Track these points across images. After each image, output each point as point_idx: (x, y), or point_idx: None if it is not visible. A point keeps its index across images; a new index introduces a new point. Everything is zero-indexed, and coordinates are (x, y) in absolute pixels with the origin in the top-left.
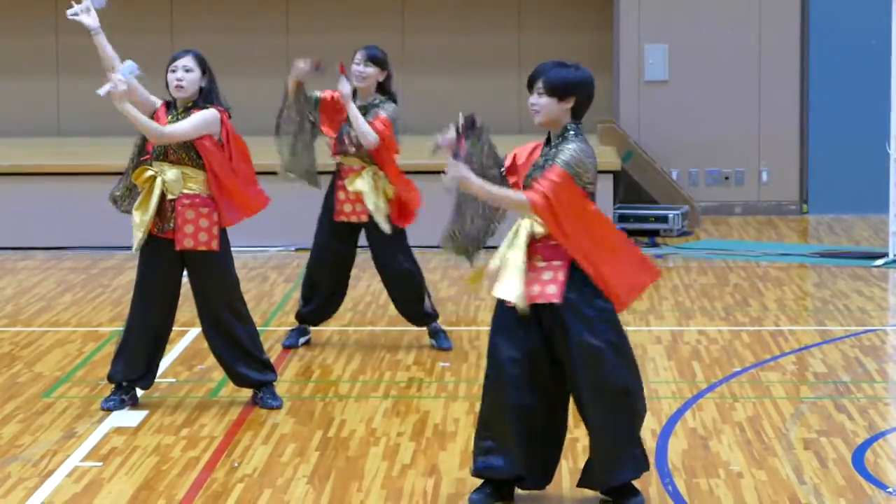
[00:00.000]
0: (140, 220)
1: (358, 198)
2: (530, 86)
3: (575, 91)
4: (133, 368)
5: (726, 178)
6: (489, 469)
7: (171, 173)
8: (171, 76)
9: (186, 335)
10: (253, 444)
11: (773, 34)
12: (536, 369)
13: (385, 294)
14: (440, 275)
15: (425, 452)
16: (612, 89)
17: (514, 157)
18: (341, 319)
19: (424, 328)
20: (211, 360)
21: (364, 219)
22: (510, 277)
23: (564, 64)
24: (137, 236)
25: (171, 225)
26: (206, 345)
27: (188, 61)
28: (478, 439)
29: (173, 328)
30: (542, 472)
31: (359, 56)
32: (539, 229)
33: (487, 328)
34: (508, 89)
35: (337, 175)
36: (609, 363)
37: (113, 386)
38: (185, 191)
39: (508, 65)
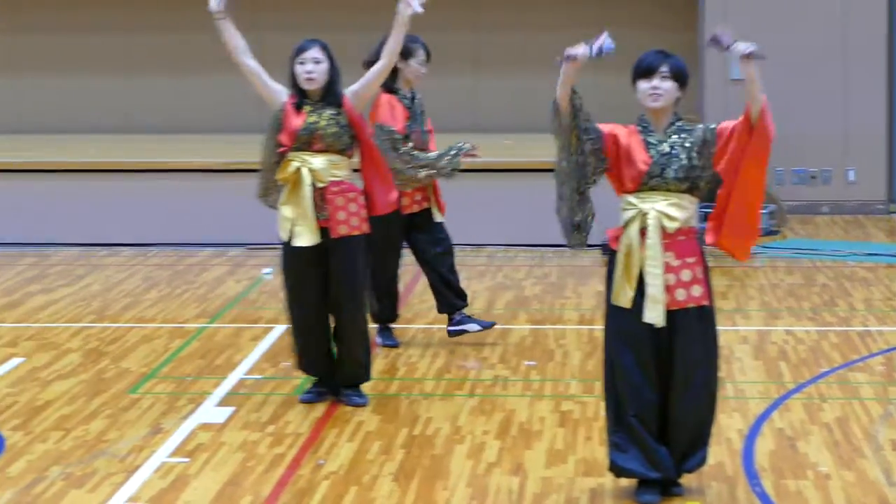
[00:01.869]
0: (294, 214)
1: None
2: (649, 72)
3: (688, 79)
4: (318, 360)
5: (813, 177)
6: (624, 471)
7: (317, 161)
8: (299, 68)
9: (272, 332)
10: (338, 441)
11: (859, 33)
12: (653, 369)
13: (469, 292)
14: (525, 273)
15: (511, 451)
16: (697, 88)
17: (616, 136)
18: (426, 317)
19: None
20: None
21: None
22: (655, 298)
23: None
24: (297, 231)
25: (325, 214)
26: (289, 342)
27: (317, 52)
28: (610, 435)
29: (261, 325)
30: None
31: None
32: (669, 224)
33: (573, 327)
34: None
35: None
36: (711, 365)
37: (313, 380)
38: (332, 178)
39: (591, 62)
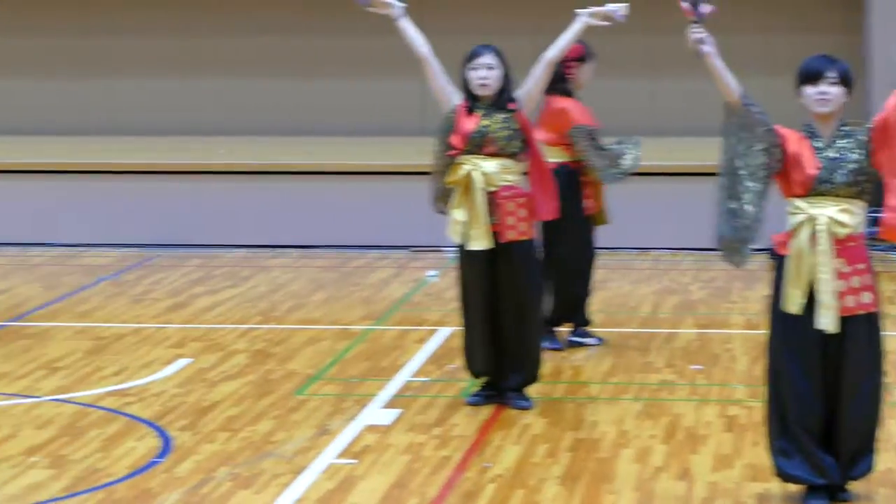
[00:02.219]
0: (466, 217)
1: None
2: (816, 77)
3: (854, 83)
4: (486, 363)
5: None
6: (791, 477)
7: (489, 165)
8: (472, 73)
9: (436, 334)
10: (504, 444)
11: None
12: (819, 376)
13: (635, 295)
14: (691, 277)
15: (677, 455)
16: (863, 92)
17: (786, 137)
18: (593, 321)
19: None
20: (462, 360)
21: None
22: (828, 305)
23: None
24: (471, 234)
25: (495, 219)
26: (456, 343)
27: (490, 58)
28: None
29: (426, 327)
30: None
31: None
32: (840, 230)
33: (739, 331)
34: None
35: (581, 172)
36: (878, 371)
37: (481, 381)
38: (503, 182)
39: (755, 65)
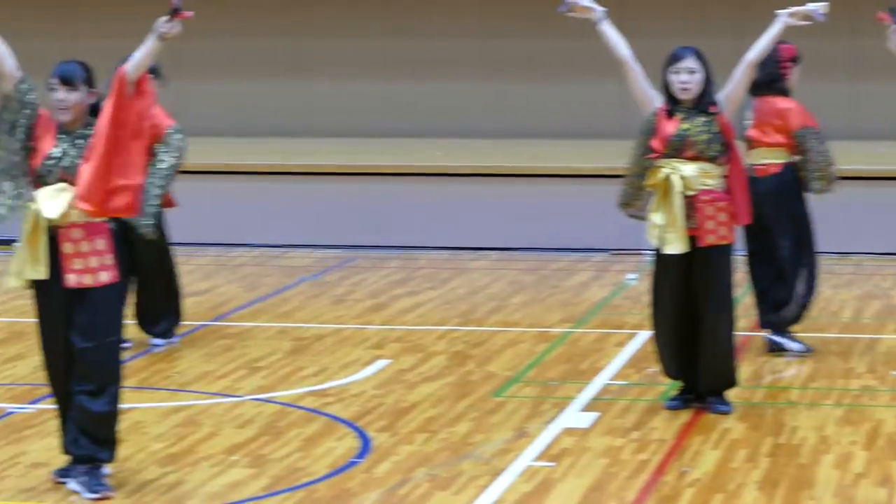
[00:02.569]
0: (664, 221)
1: None
2: None
3: None
4: (683, 367)
5: None
6: None
7: (688, 169)
8: (673, 77)
9: (636, 338)
10: (703, 448)
11: None
12: None
13: (836, 300)
14: (892, 282)
15: (879, 462)
16: None
17: None
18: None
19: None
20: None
21: None
22: None
23: None
24: (668, 238)
25: (693, 223)
26: (654, 348)
27: (691, 62)
28: None
29: (625, 330)
30: None
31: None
32: None
33: None
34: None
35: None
36: None
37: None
38: (702, 186)
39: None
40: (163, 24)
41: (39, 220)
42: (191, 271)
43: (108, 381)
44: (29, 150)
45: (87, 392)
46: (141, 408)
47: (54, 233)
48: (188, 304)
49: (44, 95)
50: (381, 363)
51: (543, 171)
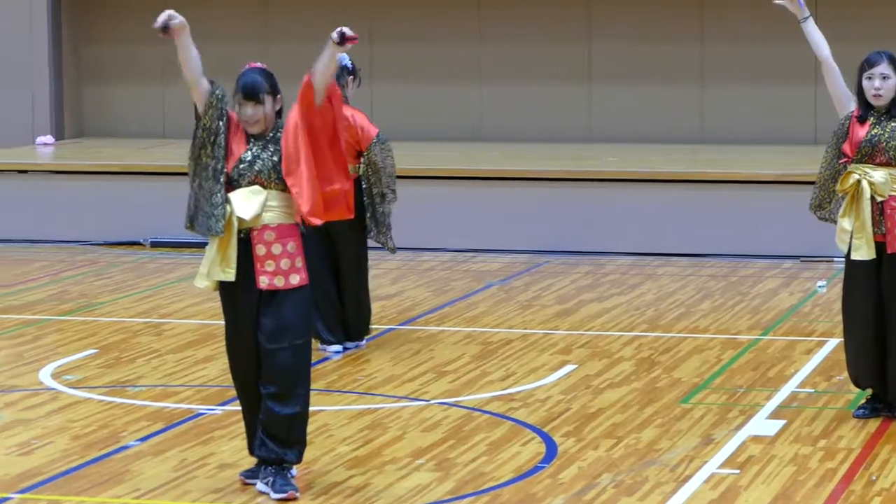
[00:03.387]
0: (852, 226)
1: None
2: None
3: None
4: (871, 375)
5: None
6: None
7: (878, 175)
8: (867, 83)
9: (825, 345)
10: (891, 457)
11: None
12: None
13: None
14: None
15: None
16: None
17: None
18: None
19: None
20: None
21: None
22: None
23: None
24: (855, 244)
25: (882, 229)
26: (842, 356)
27: (885, 68)
28: None
29: (814, 338)
30: None
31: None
32: None
33: None
34: None
35: None
36: None
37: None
38: (892, 192)
39: None
40: (336, 37)
41: (232, 223)
42: (379, 275)
43: (296, 384)
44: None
45: (275, 395)
46: (328, 410)
47: (245, 235)
48: (376, 307)
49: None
50: (567, 368)
51: (732, 178)
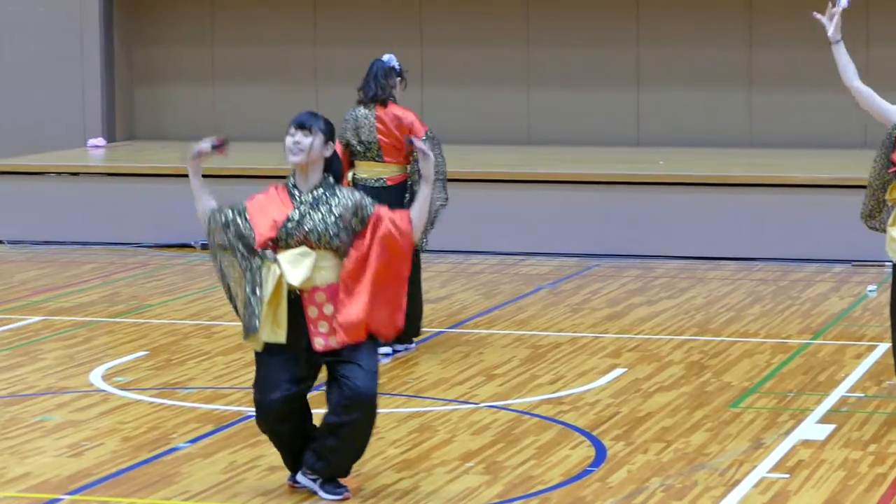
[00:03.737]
0: None
1: None
2: None
3: None
4: None
5: None
6: None
7: None
8: None
9: (875, 350)
10: None
11: None
12: None
13: None
14: None
15: None
16: None
17: None
18: None
19: None
20: None
21: None
22: None
23: None
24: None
25: None
26: (892, 361)
27: None
28: None
29: (864, 342)
30: None
31: None
32: None
33: None
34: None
35: None
36: None
37: None
38: None
39: None
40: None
41: (281, 284)
42: (429, 278)
43: (368, 437)
44: (251, 239)
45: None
46: (378, 413)
47: (295, 296)
48: (426, 310)
49: None
50: (617, 372)
51: (782, 181)
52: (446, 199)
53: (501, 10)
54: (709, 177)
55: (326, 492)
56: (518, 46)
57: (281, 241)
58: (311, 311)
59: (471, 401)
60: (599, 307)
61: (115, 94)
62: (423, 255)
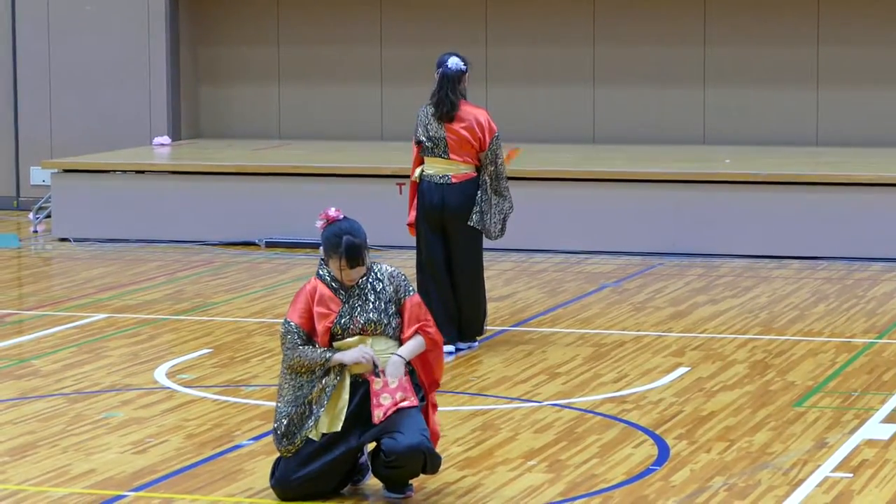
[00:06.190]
0: None
1: None
2: None
3: None
4: None
5: None
6: None
7: None
8: None
9: None
10: None
11: None
12: None
13: None
14: None
15: None
16: None
17: None
18: None
19: None
20: None
21: None
22: None
23: None
24: None
25: None
26: None
27: None
28: None
29: None
30: None
31: None
32: None
33: None
34: None
35: None
36: None
37: None
38: None
39: None
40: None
41: (345, 376)
42: (493, 276)
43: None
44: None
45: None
46: (441, 411)
47: (354, 378)
48: (489, 309)
49: None
50: (680, 371)
51: (847, 180)
52: (511, 206)
53: (566, 8)
54: (774, 175)
55: (393, 491)
56: (583, 44)
57: (337, 336)
58: (376, 385)
59: (534, 399)
60: (663, 306)
61: (181, 93)
62: (486, 254)
